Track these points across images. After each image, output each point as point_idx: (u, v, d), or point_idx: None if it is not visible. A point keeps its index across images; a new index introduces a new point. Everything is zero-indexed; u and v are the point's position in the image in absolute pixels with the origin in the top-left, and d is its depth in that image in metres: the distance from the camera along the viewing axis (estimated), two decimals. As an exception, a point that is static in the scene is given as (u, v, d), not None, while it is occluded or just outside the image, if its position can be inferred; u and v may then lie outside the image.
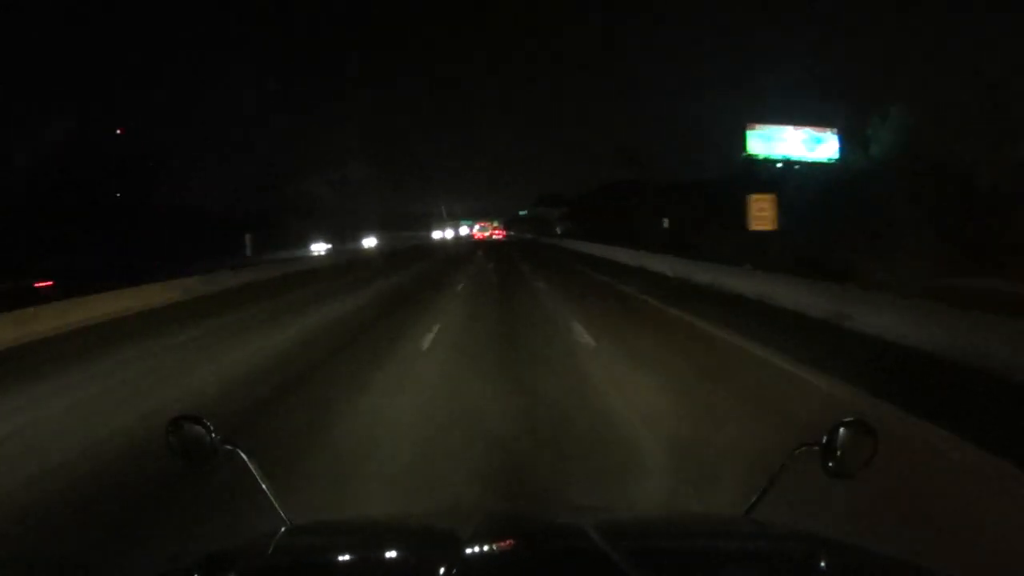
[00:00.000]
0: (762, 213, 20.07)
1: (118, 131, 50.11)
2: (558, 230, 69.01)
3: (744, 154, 36.65)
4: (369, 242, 58.92)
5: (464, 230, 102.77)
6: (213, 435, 1.64)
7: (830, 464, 1.55)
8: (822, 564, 1.30)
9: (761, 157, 36.86)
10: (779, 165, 37.21)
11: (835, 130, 38.28)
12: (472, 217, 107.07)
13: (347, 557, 1.45)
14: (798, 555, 1.37)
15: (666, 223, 32.12)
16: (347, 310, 13.22)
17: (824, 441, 1.56)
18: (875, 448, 1.54)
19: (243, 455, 1.68)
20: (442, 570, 1.11)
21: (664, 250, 24.48)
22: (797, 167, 37.53)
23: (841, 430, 1.54)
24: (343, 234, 57.94)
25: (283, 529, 1.55)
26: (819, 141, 38.04)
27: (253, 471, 1.66)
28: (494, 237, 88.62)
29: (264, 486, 1.65)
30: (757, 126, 36.95)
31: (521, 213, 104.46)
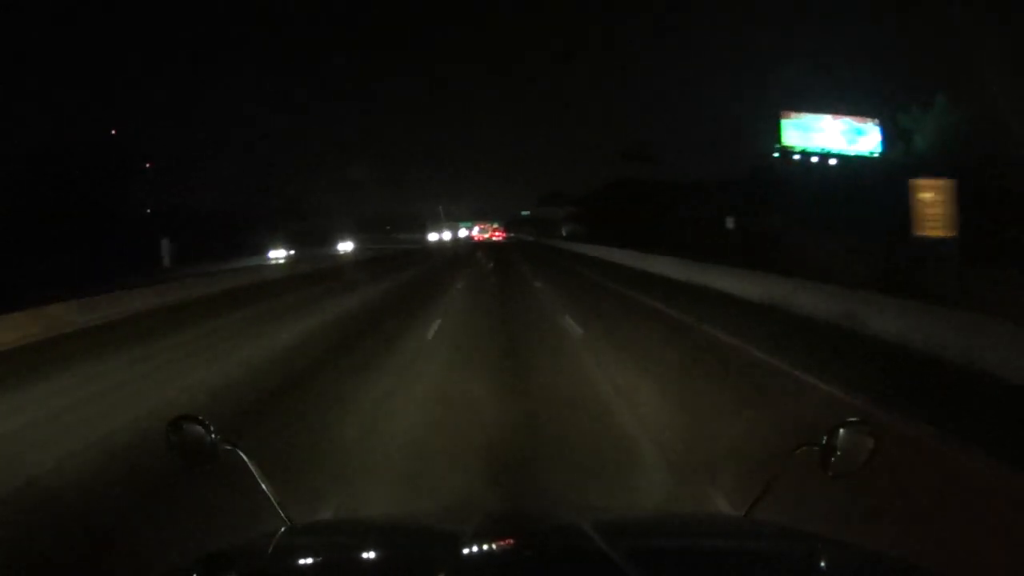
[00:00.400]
0: (934, 209, 13.79)
1: (112, 132, 49.69)
2: (563, 232, 64.03)
3: (778, 145, 32.20)
4: (345, 247, 52.17)
5: (463, 232, 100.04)
6: (213, 435, 1.63)
7: (830, 464, 1.53)
8: (822, 564, 1.29)
9: (798, 149, 32.44)
10: (814, 159, 32.81)
11: (876, 121, 33.87)
12: (472, 218, 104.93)
13: (347, 557, 1.43)
14: (798, 555, 1.36)
15: (731, 223, 25.55)
16: (225, 382, 7.60)
17: (824, 441, 1.54)
18: (875, 448, 1.52)
19: (243, 455, 1.65)
20: (442, 570, 1.15)
21: (741, 262, 16.54)
22: (834, 162, 33.12)
23: (841, 430, 1.52)
24: (321, 238, 52.99)
25: (283, 529, 1.54)
26: (860, 132, 33.69)
27: (253, 471, 1.63)
28: (493, 238, 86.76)
29: (264, 486, 1.63)
30: (793, 114, 32.58)
31: (524, 213, 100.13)
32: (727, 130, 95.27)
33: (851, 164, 32.64)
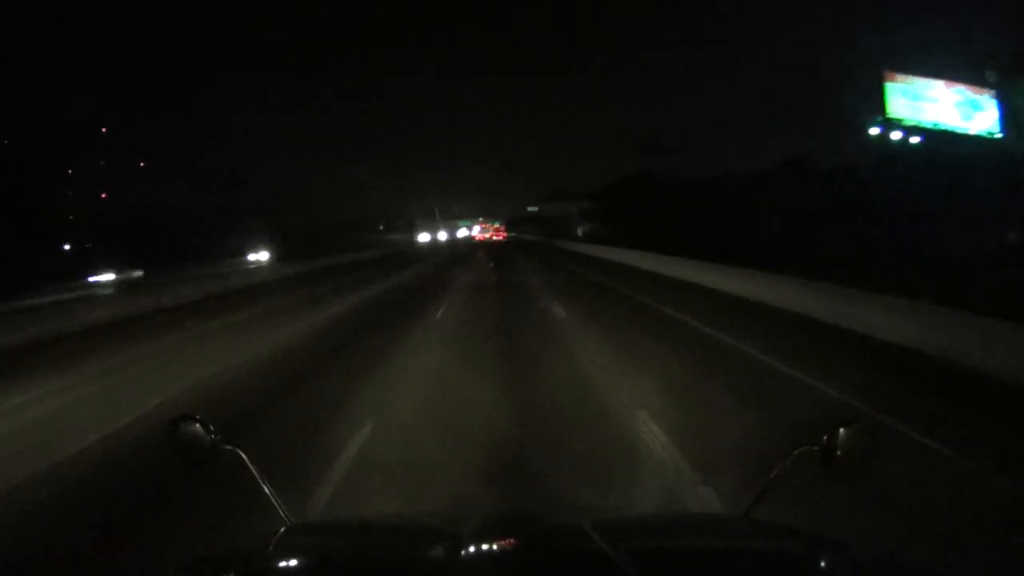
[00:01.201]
0: None
1: (103, 129, 50.18)
2: (579, 232, 56.00)
3: (880, 118, 24.34)
4: (259, 257, 38.74)
5: (463, 231, 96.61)
6: (213, 435, 1.60)
7: (830, 465, 1.49)
8: (822, 564, 1.29)
9: (908, 123, 24.55)
10: (914, 140, 25.06)
11: (993, 92, 26.10)
12: (473, 216, 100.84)
13: (347, 557, 1.39)
14: (798, 555, 1.36)
15: None
16: None
17: (824, 441, 1.50)
18: (875, 449, 1.49)
19: (243, 455, 1.62)
20: (442, 570, 1.16)
21: None
22: (948, 146, 25.30)
23: (841, 431, 1.48)
24: (240, 246, 39.78)
25: (283, 529, 1.51)
26: (976, 107, 25.99)
27: (253, 471, 1.60)
28: (494, 238, 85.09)
29: (264, 486, 1.60)
30: (900, 77, 24.64)
31: (530, 210, 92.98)
32: (741, 123, 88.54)
33: (962, 146, 25.01)
